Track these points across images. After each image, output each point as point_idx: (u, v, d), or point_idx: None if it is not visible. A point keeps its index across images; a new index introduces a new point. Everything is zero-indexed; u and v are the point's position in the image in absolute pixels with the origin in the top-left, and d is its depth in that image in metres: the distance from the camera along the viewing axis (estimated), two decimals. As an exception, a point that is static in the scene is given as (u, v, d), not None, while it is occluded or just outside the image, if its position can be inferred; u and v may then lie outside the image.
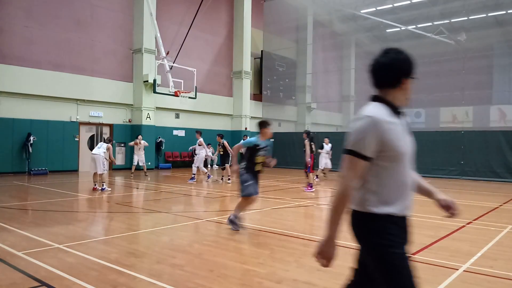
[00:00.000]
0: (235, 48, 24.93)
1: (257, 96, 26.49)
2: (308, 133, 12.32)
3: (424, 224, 7.41)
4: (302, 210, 8.79)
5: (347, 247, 5.51)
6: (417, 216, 8.17)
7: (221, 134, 14.91)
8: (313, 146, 12.32)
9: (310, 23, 27.99)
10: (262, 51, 26.34)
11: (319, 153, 15.47)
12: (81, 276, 4.15)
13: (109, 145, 11.54)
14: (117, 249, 5.24)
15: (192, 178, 14.31)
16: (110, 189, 11.49)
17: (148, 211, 8.52)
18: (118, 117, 19.56)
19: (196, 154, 14.93)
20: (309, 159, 11.96)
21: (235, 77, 24.95)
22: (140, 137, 16.20)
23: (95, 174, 11.49)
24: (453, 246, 5.65)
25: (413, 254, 5.15)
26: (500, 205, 9.85)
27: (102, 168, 11.31)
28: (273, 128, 25.33)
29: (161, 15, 20.33)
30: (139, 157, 16.03)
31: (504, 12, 23.08)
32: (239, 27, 24.78)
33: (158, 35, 18.42)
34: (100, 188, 11.31)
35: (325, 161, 15.65)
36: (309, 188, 11.93)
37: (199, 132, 15.13)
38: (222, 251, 5.31)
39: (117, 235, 6.06)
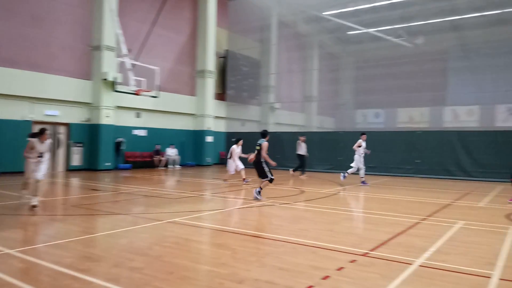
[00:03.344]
0: (199, 47, 24.67)
1: (221, 95, 26.36)
2: None
3: (382, 221, 7.64)
4: (265, 210, 8.81)
5: (309, 245, 5.58)
6: (376, 214, 8.42)
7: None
8: None
9: (274, 24, 28.19)
10: (226, 50, 26.24)
11: None
12: (33, 282, 3.95)
13: (32, 139, 8.48)
14: (72, 253, 5.03)
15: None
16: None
17: (106, 213, 8.25)
18: (76, 116, 18.83)
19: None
20: None
21: (198, 76, 24.69)
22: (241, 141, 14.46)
23: (26, 183, 8.80)
24: (409, 242, 5.85)
25: (371, 250, 5.30)
26: (453, 202, 10.32)
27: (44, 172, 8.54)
28: (237, 128, 25.06)
29: (123, 11, 19.78)
30: (238, 163, 14.17)
31: (459, 17, 24.20)
32: (202, 25, 24.54)
33: (119, 32, 17.91)
34: (32, 203, 8.24)
35: None
36: None
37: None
38: (183, 252, 5.22)
39: (72, 239, 5.83)
